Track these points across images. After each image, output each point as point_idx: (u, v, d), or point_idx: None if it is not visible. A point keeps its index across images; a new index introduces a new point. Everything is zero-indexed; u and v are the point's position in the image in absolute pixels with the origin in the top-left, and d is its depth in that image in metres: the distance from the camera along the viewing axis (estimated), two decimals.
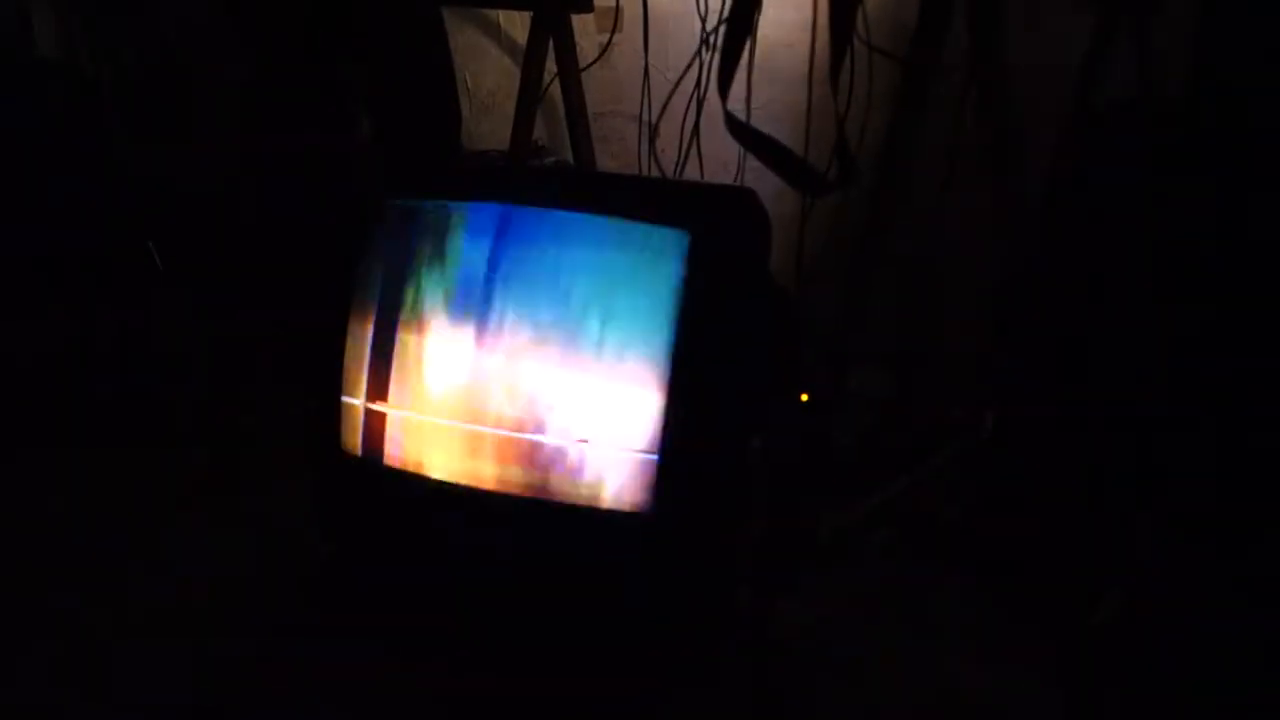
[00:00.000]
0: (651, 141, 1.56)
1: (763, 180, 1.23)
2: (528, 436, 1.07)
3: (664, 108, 1.52)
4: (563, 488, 1.06)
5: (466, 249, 1.11)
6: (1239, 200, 1.22)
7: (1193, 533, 1.23)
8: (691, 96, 1.49)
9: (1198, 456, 1.23)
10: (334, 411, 1.16)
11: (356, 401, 1.15)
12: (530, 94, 1.60)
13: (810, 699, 1.05)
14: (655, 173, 1.58)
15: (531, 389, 1.07)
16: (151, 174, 1.81)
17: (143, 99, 1.86)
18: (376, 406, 1.14)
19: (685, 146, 1.52)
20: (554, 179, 1.39)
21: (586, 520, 1.05)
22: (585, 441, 1.04)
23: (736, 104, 1.20)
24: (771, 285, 1.13)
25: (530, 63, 1.59)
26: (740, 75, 1.21)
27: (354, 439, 1.16)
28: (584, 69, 1.65)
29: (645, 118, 1.60)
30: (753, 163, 1.36)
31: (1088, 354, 1.31)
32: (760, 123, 1.24)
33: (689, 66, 1.47)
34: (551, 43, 1.60)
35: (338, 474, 1.19)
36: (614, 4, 1.73)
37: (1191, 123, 1.27)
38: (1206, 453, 1.23)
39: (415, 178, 1.22)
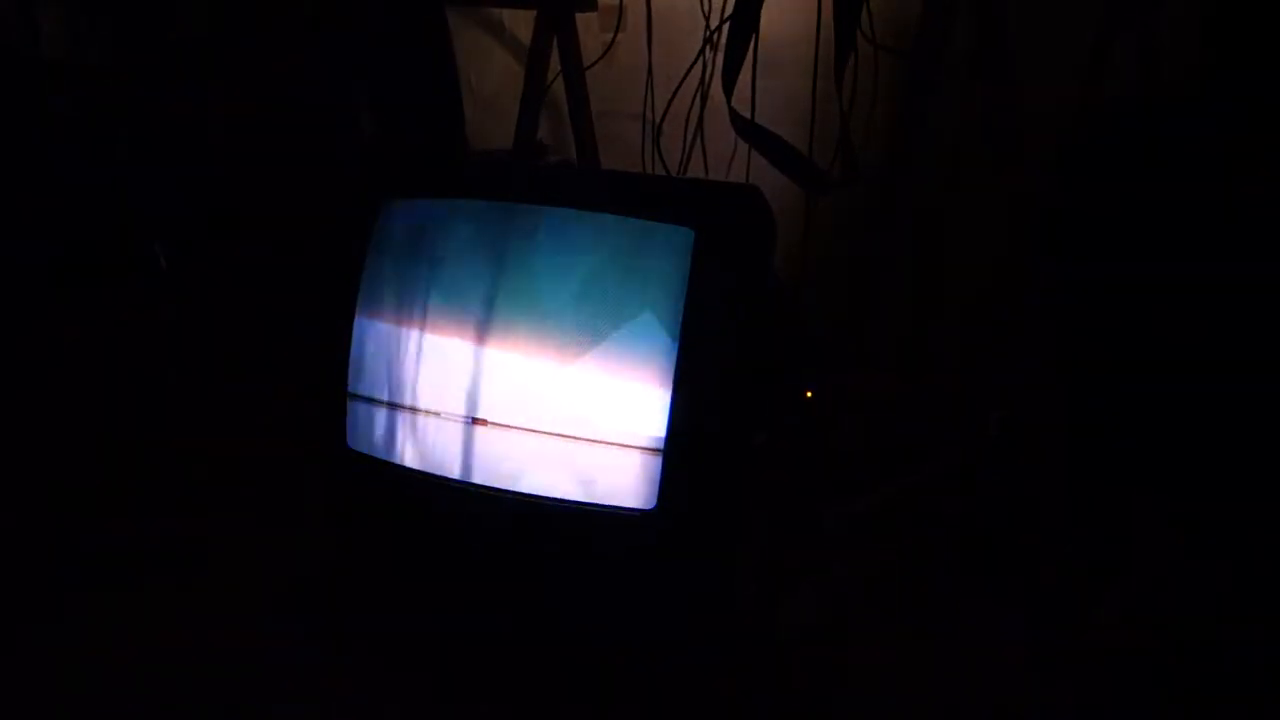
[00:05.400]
0: (656, 140, 1.56)
1: (766, 177, 1.23)
2: (532, 433, 1.07)
3: (668, 106, 1.52)
4: (566, 484, 1.06)
5: (470, 247, 1.12)
6: (1245, 195, 1.22)
7: (1199, 529, 1.23)
8: (695, 95, 1.49)
9: (1205, 452, 1.23)
10: (339, 410, 1.17)
11: (361, 399, 1.16)
12: (534, 93, 1.60)
13: (813, 696, 1.05)
14: (659, 172, 1.58)
15: (535, 386, 1.07)
16: (154, 174, 1.81)
17: (147, 98, 1.86)
18: (381, 404, 1.15)
19: (689, 144, 1.53)
20: (558, 177, 1.39)
21: (590, 516, 1.05)
22: (589, 438, 1.05)
23: (740, 102, 1.20)
24: (776, 282, 1.13)
25: (534, 61, 1.59)
26: (744, 73, 1.21)
27: (359, 437, 1.16)
28: (588, 68, 1.65)
29: (649, 116, 1.60)
30: (756, 160, 1.36)
31: (1093, 351, 1.30)
32: (764, 120, 1.24)
33: (693, 65, 1.47)
34: (555, 42, 1.60)
35: (343, 472, 1.20)
36: (617, 3, 1.73)
37: (1199, 117, 1.27)
38: (1214, 448, 1.23)
39: (419, 176, 1.22)
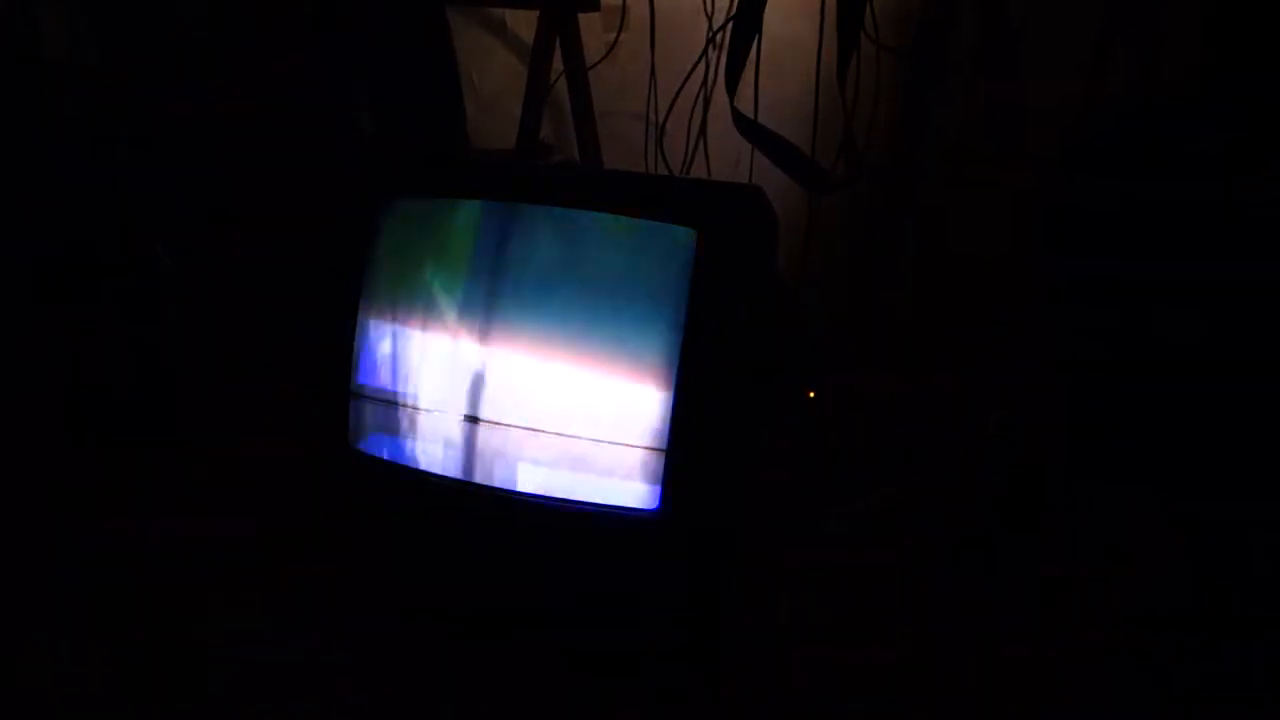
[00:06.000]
0: (659, 140, 1.56)
1: (769, 177, 1.23)
2: (534, 433, 1.07)
3: (671, 106, 1.52)
4: (568, 484, 1.06)
5: (473, 246, 1.12)
6: (1245, 195, 1.22)
7: (1199, 529, 1.23)
8: (698, 95, 1.49)
9: (1205, 452, 1.23)
10: (340, 409, 1.17)
11: (362, 399, 1.16)
12: (537, 93, 1.60)
13: (813, 696, 1.05)
14: (662, 172, 1.58)
15: (537, 386, 1.07)
16: (154, 174, 1.81)
17: (147, 98, 1.86)
18: (381, 403, 1.15)
19: (692, 144, 1.53)
20: (561, 176, 1.39)
21: (591, 516, 1.05)
22: (592, 438, 1.04)
23: (743, 102, 1.20)
24: (779, 282, 1.13)
25: (537, 61, 1.59)
26: (747, 73, 1.22)
27: (359, 436, 1.16)
28: (590, 68, 1.65)
29: (652, 116, 1.60)
30: (759, 160, 1.36)
31: (1093, 351, 1.31)
32: (767, 120, 1.24)
33: (696, 65, 1.47)
34: (558, 41, 1.60)
35: (343, 472, 1.20)
36: (620, 3, 1.73)
37: (1199, 117, 1.27)
38: (1214, 448, 1.23)
39: (419, 176, 1.22)
